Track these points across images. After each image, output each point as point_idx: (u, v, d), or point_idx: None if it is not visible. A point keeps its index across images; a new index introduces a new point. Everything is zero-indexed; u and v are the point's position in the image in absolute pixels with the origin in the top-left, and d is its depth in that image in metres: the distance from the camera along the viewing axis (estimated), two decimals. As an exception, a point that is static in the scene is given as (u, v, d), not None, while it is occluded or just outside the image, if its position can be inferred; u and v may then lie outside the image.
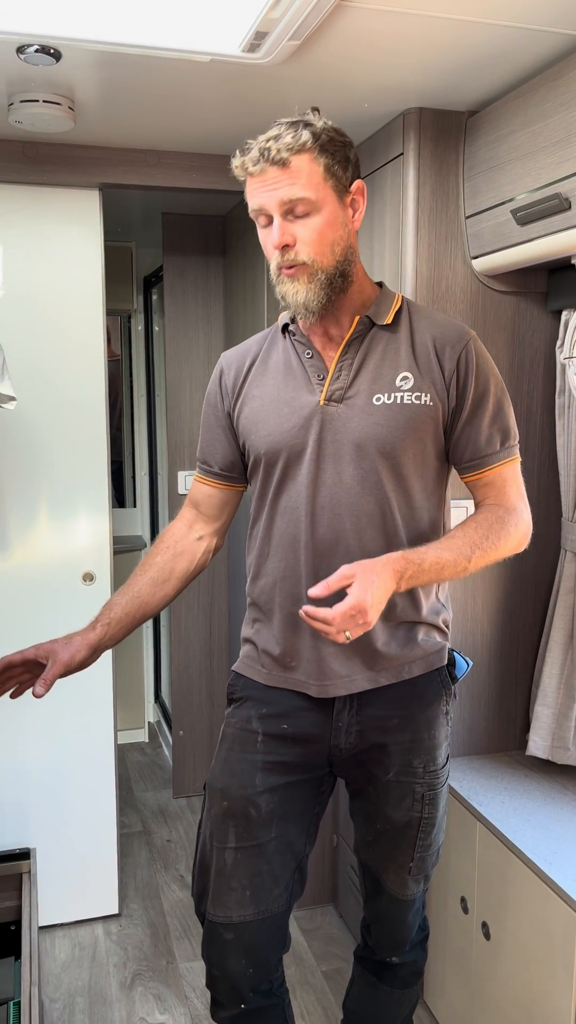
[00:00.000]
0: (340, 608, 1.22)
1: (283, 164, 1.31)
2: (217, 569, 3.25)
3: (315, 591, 1.24)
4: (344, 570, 1.26)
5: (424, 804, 1.50)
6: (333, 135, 1.35)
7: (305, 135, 1.31)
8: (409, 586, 1.33)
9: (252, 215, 1.39)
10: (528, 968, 1.64)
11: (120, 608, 1.52)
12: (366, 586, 1.24)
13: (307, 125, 1.33)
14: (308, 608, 1.24)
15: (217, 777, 1.52)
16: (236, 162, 1.36)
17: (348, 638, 1.25)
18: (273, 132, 1.33)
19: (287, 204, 1.33)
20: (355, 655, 1.44)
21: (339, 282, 1.39)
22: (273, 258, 1.37)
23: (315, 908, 2.56)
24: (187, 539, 1.60)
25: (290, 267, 1.36)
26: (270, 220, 1.36)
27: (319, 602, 1.30)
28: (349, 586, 1.25)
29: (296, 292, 1.37)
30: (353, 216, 1.40)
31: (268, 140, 1.32)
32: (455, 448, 1.47)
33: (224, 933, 1.49)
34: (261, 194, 1.34)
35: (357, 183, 1.40)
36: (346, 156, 1.37)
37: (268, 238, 1.37)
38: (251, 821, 1.47)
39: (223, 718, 1.58)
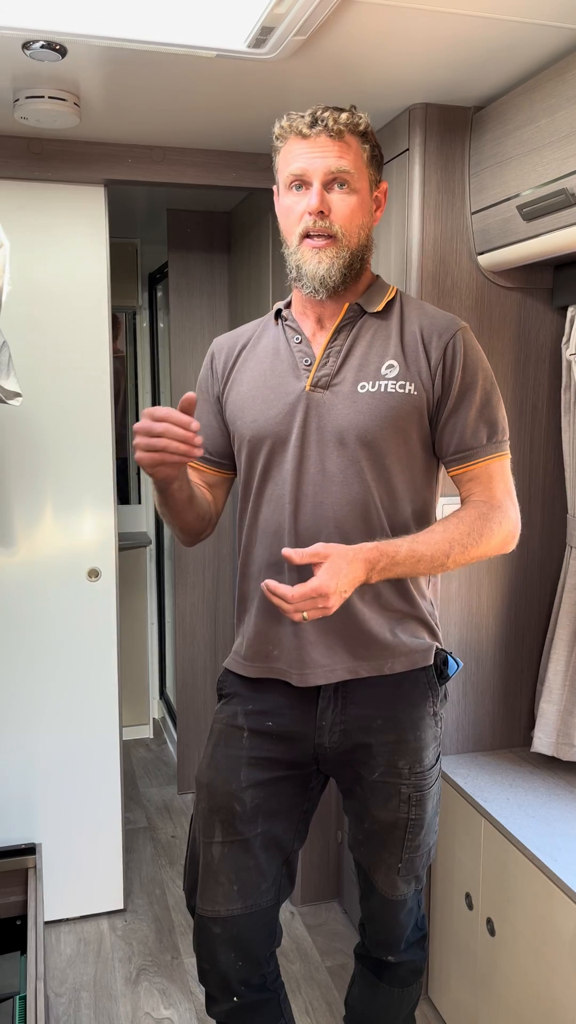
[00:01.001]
0: (300, 589, 1.22)
1: (338, 136, 1.35)
2: (222, 566, 3.25)
3: (287, 552, 1.25)
4: (319, 547, 1.26)
5: (411, 805, 1.49)
6: (375, 135, 1.42)
7: (363, 118, 1.38)
8: (380, 578, 1.33)
9: (286, 179, 1.39)
10: (533, 964, 1.64)
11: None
12: (333, 572, 1.24)
13: (358, 114, 1.38)
14: (270, 583, 1.24)
15: (204, 772, 1.53)
16: (284, 123, 1.38)
17: (305, 618, 1.25)
18: (323, 109, 1.36)
19: (332, 174, 1.35)
20: (337, 644, 1.43)
21: (357, 266, 1.42)
22: (301, 223, 1.38)
23: (320, 904, 2.57)
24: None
25: (320, 236, 1.36)
26: (304, 185, 1.37)
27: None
28: (318, 565, 1.25)
29: (319, 262, 1.37)
30: (375, 211, 1.44)
31: (324, 111, 1.36)
32: (440, 440, 1.45)
33: (212, 927, 1.50)
34: (307, 158, 1.36)
35: (383, 184, 1.45)
36: (381, 156, 1.44)
37: (300, 203, 1.38)
38: (236, 816, 1.48)
39: None
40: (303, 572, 1.39)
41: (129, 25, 1.49)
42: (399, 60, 1.67)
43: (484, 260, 1.93)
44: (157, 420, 1.22)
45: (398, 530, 1.43)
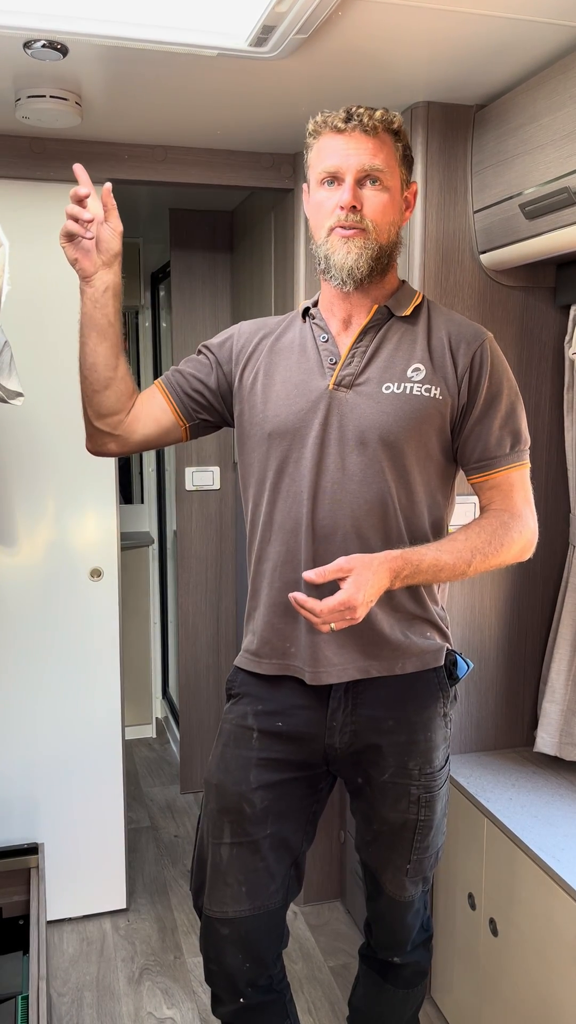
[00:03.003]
0: (329, 603, 1.24)
1: (372, 133, 1.36)
2: (224, 565, 3.25)
3: (309, 575, 1.26)
4: (342, 563, 1.26)
5: (420, 806, 1.49)
6: (407, 135, 1.43)
7: (397, 117, 1.39)
8: (403, 585, 1.34)
9: (318, 175, 1.40)
10: (536, 964, 1.64)
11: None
12: (360, 584, 1.25)
13: (392, 112, 1.39)
14: (298, 596, 1.25)
15: (213, 773, 1.53)
16: (318, 119, 1.39)
17: (332, 629, 1.27)
18: (357, 106, 1.37)
19: (365, 171, 1.36)
20: (349, 643, 1.43)
21: (384, 262, 1.42)
22: (332, 217, 1.38)
23: (322, 904, 2.56)
24: (136, 396, 1.55)
25: (349, 228, 1.37)
26: (336, 181, 1.38)
27: (310, 589, 1.32)
28: (343, 579, 1.25)
29: (348, 253, 1.38)
30: (405, 211, 1.45)
31: (358, 108, 1.37)
32: (463, 447, 1.46)
33: (220, 928, 1.50)
34: (341, 155, 1.36)
35: (413, 185, 1.46)
36: (412, 157, 1.44)
37: (332, 198, 1.38)
38: (245, 817, 1.48)
39: None
40: (319, 565, 1.39)
41: (130, 24, 1.49)
42: (401, 58, 1.67)
43: (486, 259, 1.92)
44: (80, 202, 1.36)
45: (413, 531, 1.44)
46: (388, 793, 1.49)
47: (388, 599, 1.43)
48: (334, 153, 1.37)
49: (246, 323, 1.59)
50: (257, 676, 1.51)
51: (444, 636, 1.52)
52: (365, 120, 1.35)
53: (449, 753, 1.56)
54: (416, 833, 1.50)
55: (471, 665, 1.55)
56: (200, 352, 1.59)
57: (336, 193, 1.38)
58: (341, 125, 1.36)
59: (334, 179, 1.38)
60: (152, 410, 1.55)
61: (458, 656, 1.53)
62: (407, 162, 1.43)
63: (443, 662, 1.49)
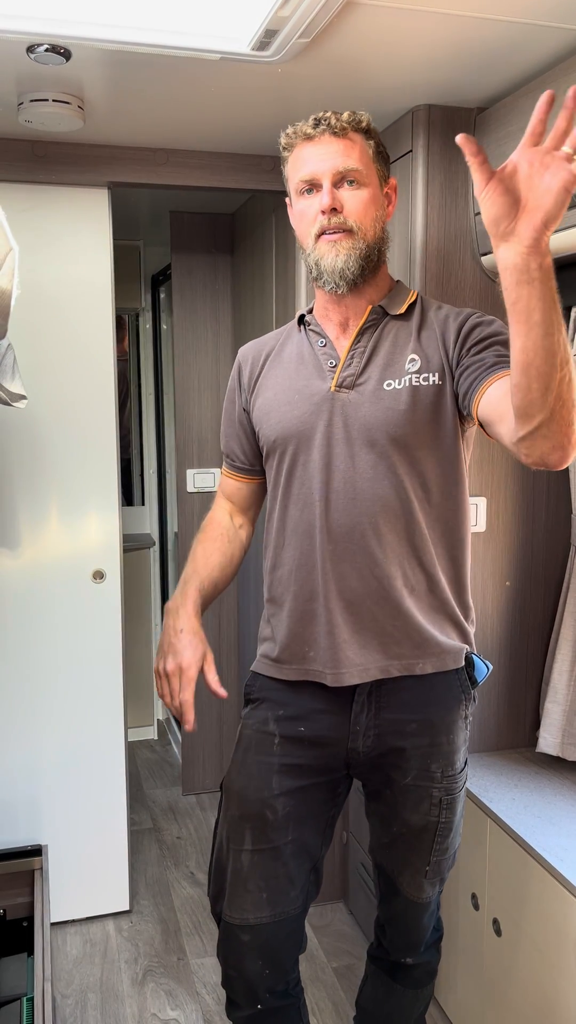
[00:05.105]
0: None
1: (341, 134, 1.38)
2: (226, 567, 3.25)
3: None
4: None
5: (442, 809, 1.49)
6: (378, 132, 1.46)
7: (364, 115, 1.40)
8: (541, 263, 1.15)
9: (296, 186, 1.42)
10: (539, 964, 1.65)
11: (203, 596, 1.55)
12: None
13: (359, 112, 1.42)
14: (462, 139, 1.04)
15: (234, 779, 1.52)
16: (289, 131, 1.41)
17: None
18: (324, 112, 1.39)
19: (340, 173, 1.38)
20: (371, 643, 1.43)
21: (374, 258, 1.43)
22: (316, 224, 1.40)
23: (325, 905, 2.56)
24: (233, 528, 1.64)
25: (335, 231, 1.38)
26: (315, 189, 1.40)
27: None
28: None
29: (336, 256, 1.39)
30: (387, 206, 1.46)
31: (325, 113, 1.39)
32: (464, 380, 1.36)
33: (240, 935, 1.49)
34: (314, 161, 1.38)
35: (392, 180, 1.48)
36: (386, 153, 1.46)
37: (312, 205, 1.40)
38: (267, 824, 1.47)
39: (233, 716, 1.58)
40: (336, 565, 1.41)
41: (133, 29, 1.49)
42: (402, 62, 1.68)
43: (487, 260, 1.93)
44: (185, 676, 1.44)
45: (432, 524, 1.44)
46: (410, 796, 1.49)
47: (411, 590, 1.43)
48: (308, 161, 1.39)
49: (248, 347, 1.61)
50: (277, 681, 1.51)
51: (465, 638, 1.51)
52: (333, 122, 1.37)
53: (467, 756, 1.56)
54: (436, 835, 1.50)
55: (490, 667, 1.55)
56: (226, 408, 1.63)
57: (316, 199, 1.39)
58: (311, 131, 1.38)
59: (312, 186, 1.40)
60: (244, 498, 1.64)
61: (476, 658, 1.52)
62: (382, 158, 1.44)
63: (463, 664, 1.49)
